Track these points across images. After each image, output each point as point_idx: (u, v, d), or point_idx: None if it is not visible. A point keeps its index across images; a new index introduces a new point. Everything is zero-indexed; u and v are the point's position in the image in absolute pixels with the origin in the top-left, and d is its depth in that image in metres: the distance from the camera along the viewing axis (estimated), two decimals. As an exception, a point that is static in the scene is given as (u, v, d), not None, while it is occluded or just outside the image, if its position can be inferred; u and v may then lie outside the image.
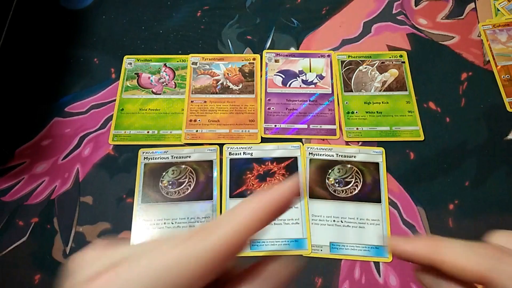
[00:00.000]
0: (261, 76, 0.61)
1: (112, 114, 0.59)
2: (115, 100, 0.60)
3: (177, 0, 0.68)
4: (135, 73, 0.62)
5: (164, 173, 0.54)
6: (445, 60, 0.62)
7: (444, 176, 0.54)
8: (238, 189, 0.53)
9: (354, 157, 0.55)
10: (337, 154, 0.55)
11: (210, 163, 0.55)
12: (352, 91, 0.60)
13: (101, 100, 0.60)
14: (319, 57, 0.62)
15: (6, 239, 0.51)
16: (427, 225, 0.51)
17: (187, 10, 0.67)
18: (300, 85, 0.60)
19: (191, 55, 0.63)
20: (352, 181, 0.54)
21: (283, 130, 0.57)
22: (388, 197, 0.53)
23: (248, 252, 0.50)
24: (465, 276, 0.20)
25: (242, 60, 0.62)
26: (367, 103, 0.59)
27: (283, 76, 0.61)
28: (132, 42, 0.65)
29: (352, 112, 0.58)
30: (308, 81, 0.61)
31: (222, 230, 0.17)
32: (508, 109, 0.58)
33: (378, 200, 0.53)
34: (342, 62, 0.62)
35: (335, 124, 0.57)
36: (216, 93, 0.60)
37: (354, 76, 0.61)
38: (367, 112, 0.58)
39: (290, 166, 0.54)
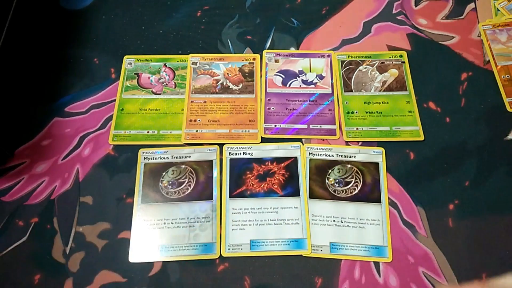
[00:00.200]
0: (261, 76, 0.61)
1: (112, 114, 0.59)
2: (115, 100, 0.60)
3: (177, 0, 0.68)
4: (135, 73, 0.62)
5: (164, 173, 0.54)
6: (445, 60, 0.62)
7: (444, 176, 0.54)
8: (238, 189, 0.53)
9: (354, 157, 0.55)
10: (337, 154, 0.55)
11: (210, 163, 0.55)
12: (352, 91, 0.60)
13: (101, 100, 0.60)
14: (319, 57, 0.62)
15: (6, 239, 0.51)
16: (427, 225, 0.51)
17: (187, 10, 0.67)
18: (300, 85, 0.60)
19: (191, 55, 0.63)
20: (352, 181, 0.54)
21: (283, 130, 0.57)
22: (388, 197, 0.53)
23: (248, 252, 0.50)
24: None
25: (242, 60, 0.62)
26: (367, 103, 0.59)
27: (283, 76, 0.61)
28: (132, 42, 0.65)
29: (352, 112, 0.58)
30: (308, 81, 0.61)
31: None
32: (508, 109, 0.58)
33: (378, 200, 0.53)
34: (342, 62, 0.62)
35: (335, 124, 0.57)
36: (216, 93, 0.60)
37: (354, 76, 0.61)
38: (367, 112, 0.58)
39: (290, 166, 0.54)
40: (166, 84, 0.61)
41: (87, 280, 0.49)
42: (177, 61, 0.63)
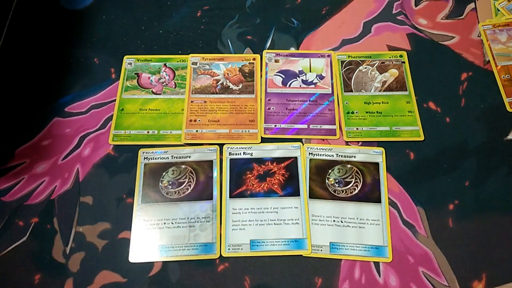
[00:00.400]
0: (261, 76, 0.61)
1: (112, 114, 0.59)
2: (115, 100, 0.60)
3: (177, 0, 0.68)
4: (135, 73, 0.62)
5: (164, 173, 0.54)
6: (445, 60, 0.62)
7: (444, 176, 0.54)
8: (238, 189, 0.53)
9: (354, 157, 0.55)
10: (337, 154, 0.55)
11: (210, 163, 0.55)
12: (352, 91, 0.60)
13: (101, 100, 0.60)
14: (319, 57, 0.62)
15: (6, 239, 0.51)
16: (427, 225, 0.51)
17: (187, 10, 0.67)
18: (300, 85, 0.60)
19: (191, 55, 0.63)
20: (352, 181, 0.54)
21: (283, 130, 0.57)
22: (388, 197, 0.53)
23: (248, 252, 0.50)
24: None
25: (242, 60, 0.62)
26: (367, 103, 0.59)
27: (283, 76, 0.61)
28: (132, 42, 0.65)
29: (352, 112, 0.58)
30: (308, 81, 0.61)
31: None
32: (508, 109, 0.58)
33: (378, 200, 0.53)
34: (342, 62, 0.62)
35: (335, 124, 0.57)
36: (216, 93, 0.60)
37: (354, 76, 0.61)
38: (367, 112, 0.58)
39: (290, 166, 0.54)
40: (166, 84, 0.61)
41: (87, 280, 0.49)
42: (177, 61, 0.63)
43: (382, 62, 0.62)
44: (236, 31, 0.65)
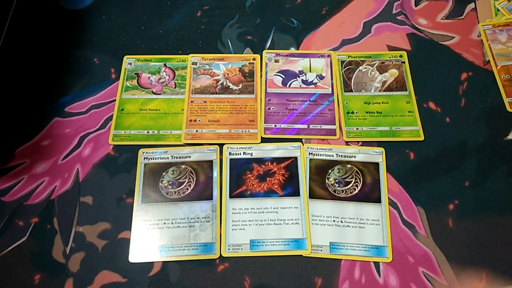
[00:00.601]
0: (261, 76, 0.61)
1: (112, 114, 0.59)
2: (115, 100, 0.60)
3: (177, 0, 0.68)
4: (135, 73, 0.62)
5: (164, 173, 0.54)
6: (445, 60, 0.62)
7: (444, 176, 0.54)
8: (238, 189, 0.53)
9: (354, 157, 0.55)
10: (337, 154, 0.55)
11: (210, 163, 0.55)
12: (352, 91, 0.60)
13: (101, 100, 0.60)
14: (319, 57, 0.62)
15: (6, 239, 0.51)
16: (427, 225, 0.51)
17: (187, 10, 0.67)
18: (300, 85, 0.60)
19: (191, 55, 0.63)
20: (352, 181, 0.54)
21: (283, 130, 0.57)
22: (388, 197, 0.53)
23: (248, 252, 0.50)
24: None
25: (242, 60, 0.62)
26: (367, 103, 0.59)
27: (283, 76, 0.61)
28: (132, 42, 0.65)
29: (352, 112, 0.58)
30: (308, 81, 0.61)
31: None
32: (508, 109, 0.58)
33: (378, 200, 0.53)
34: (342, 62, 0.62)
35: (335, 124, 0.57)
36: (216, 93, 0.60)
37: (354, 76, 0.61)
38: (367, 112, 0.58)
39: (290, 166, 0.54)
40: (166, 84, 0.61)
41: (87, 280, 0.49)
42: (177, 61, 0.63)
43: (382, 62, 0.62)
44: (236, 31, 0.65)
